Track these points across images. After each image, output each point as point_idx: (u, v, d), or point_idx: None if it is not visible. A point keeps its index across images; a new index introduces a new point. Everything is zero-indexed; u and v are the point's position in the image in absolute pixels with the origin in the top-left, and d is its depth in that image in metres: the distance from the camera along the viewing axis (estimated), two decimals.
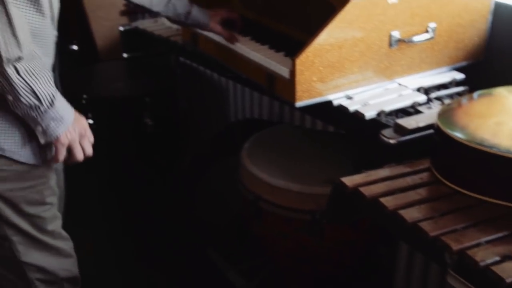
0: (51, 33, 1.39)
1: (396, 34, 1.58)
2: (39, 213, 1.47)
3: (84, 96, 2.20)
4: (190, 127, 2.46)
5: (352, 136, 1.67)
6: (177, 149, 2.47)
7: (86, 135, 1.41)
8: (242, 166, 1.94)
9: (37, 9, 1.31)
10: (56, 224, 1.54)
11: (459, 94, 1.62)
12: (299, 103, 1.51)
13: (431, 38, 1.64)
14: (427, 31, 1.64)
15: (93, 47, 2.67)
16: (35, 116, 1.30)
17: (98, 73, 2.53)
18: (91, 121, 2.20)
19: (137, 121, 2.25)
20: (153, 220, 2.41)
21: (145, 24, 2.42)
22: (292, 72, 1.48)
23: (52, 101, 1.30)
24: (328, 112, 1.56)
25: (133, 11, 2.66)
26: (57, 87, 1.47)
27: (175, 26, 2.26)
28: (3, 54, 1.21)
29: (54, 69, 1.45)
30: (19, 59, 1.23)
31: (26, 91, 1.26)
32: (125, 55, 2.47)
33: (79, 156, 1.41)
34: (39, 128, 1.32)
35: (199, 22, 1.83)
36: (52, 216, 1.52)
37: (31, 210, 1.45)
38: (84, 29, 2.64)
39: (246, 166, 1.90)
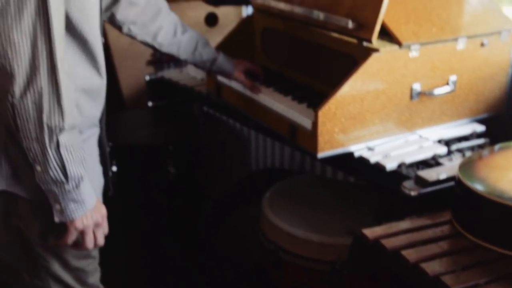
0: (104, 88, 1.41)
1: (417, 86, 1.60)
2: (83, 267, 1.44)
3: (109, 143, 2.24)
4: (212, 175, 2.48)
5: (373, 187, 1.67)
6: (199, 197, 2.49)
7: (102, 225, 1.35)
8: (263, 216, 1.95)
9: (94, 66, 1.33)
10: (96, 277, 1.51)
11: (480, 146, 1.63)
12: (321, 154, 1.53)
13: (452, 90, 1.67)
14: (447, 84, 1.66)
15: (119, 96, 2.73)
16: (57, 193, 1.23)
17: (123, 121, 2.57)
18: (115, 169, 2.24)
19: (160, 169, 2.28)
20: (173, 266, 2.41)
21: (170, 74, 2.48)
22: (315, 124, 1.51)
23: (79, 182, 1.24)
24: (349, 163, 1.58)
25: (159, 61, 2.72)
26: (102, 139, 1.49)
27: (199, 76, 2.32)
28: (46, 121, 1.17)
29: (101, 121, 1.46)
30: (60, 130, 1.19)
31: (57, 165, 1.21)
32: (150, 103, 2.52)
33: (89, 245, 1.34)
34: (57, 206, 1.26)
35: (223, 70, 1.87)
36: (94, 269, 1.49)
37: (77, 263, 1.43)
38: (111, 77, 2.71)
39: (267, 215, 1.91)
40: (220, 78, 1.99)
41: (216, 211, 2.53)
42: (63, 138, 1.20)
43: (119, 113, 2.66)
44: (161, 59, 2.70)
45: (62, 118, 1.18)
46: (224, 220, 2.59)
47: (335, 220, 1.87)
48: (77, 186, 1.24)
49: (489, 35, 1.68)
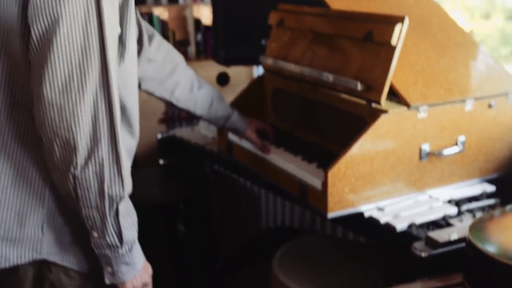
0: (135, 149, 1.42)
1: (426, 147, 1.62)
2: None
3: None
4: (222, 233, 2.48)
5: (383, 247, 1.66)
6: (209, 255, 2.48)
7: (149, 284, 1.36)
8: (273, 275, 1.93)
9: (129, 131, 1.35)
10: None
11: (491, 206, 1.62)
12: (331, 214, 1.53)
13: (461, 151, 1.68)
14: (456, 144, 1.67)
15: None
16: (110, 257, 1.24)
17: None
18: None
19: (170, 227, 2.28)
20: None
21: (182, 132, 2.51)
22: (324, 184, 1.52)
23: (132, 246, 1.25)
24: (359, 223, 1.58)
25: (171, 119, 2.77)
26: None
27: (210, 135, 2.35)
28: (107, 191, 1.17)
29: None
30: (121, 198, 1.19)
31: (115, 232, 1.21)
32: (161, 161, 2.54)
33: None
34: (108, 269, 1.26)
35: (236, 128, 1.90)
36: None
37: None
38: None
39: (277, 275, 1.90)
40: (231, 137, 2.02)
41: (226, 269, 2.52)
42: (122, 206, 1.20)
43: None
44: (173, 117, 2.75)
45: (123, 187, 1.19)
46: (234, 278, 2.56)
47: (345, 281, 1.85)
48: (130, 250, 1.25)
49: (496, 96, 1.70)
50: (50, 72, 1.11)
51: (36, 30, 1.11)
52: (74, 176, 1.15)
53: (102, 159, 1.16)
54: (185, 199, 2.31)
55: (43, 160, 1.20)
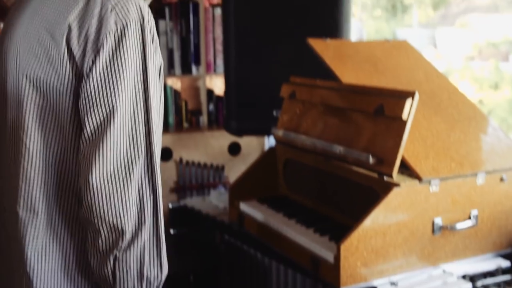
0: None
1: (438, 221, 1.61)
2: None
3: None
4: None
5: None
6: None
7: None
8: None
9: None
10: None
11: (507, 283, 1.60)
12: None
13: (474, 225, 1.67)
14: (469, 218, 1.66)
15: None
16: None
17: None
18: None
19: None
20: None
21: (193, 202, 2.51)
22: (337, 257, 1.51)
23: None
24: None
25: (183, 189, 2.77)
26: None
27: (221, 205, 2.35)
28: (146, 274, 1.17)
29: None
30: (159, 283, 1.20)
31: None
32: (172, 231, 2.53)
33: None
34: None
35: None
36: None
37: None
38: None
39: None
40: (243, 207, 2.02)
41: None
42: None
43: None
44: (184, 187, 2.75)
45: (161, 271, 1.19)
46: None
47: None
48: None
49: (508, 170, 1.71)
50: (100, 160, 1.12)
51: (91, 121, 1.13)
52: (115, 258, 1.15)
53: (144, 242, 1.16)
54: (195, 270, 2.29)
55: (83, 243, 1.21)
